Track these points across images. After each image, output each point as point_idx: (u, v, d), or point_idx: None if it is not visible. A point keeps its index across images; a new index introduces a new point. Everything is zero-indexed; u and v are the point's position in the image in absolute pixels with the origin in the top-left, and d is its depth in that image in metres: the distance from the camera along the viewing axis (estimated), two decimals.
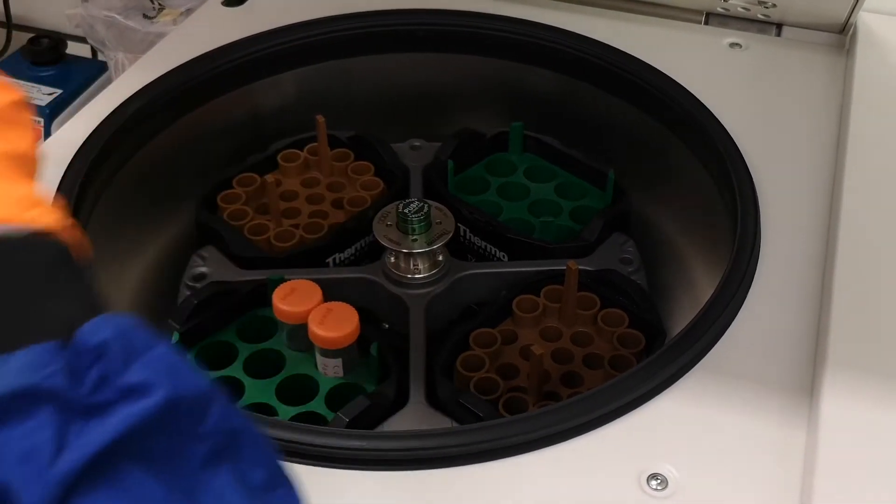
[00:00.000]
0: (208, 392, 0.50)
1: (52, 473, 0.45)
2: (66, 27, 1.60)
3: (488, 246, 1.13)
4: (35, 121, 1.39)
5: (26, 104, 0.61)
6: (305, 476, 0.51)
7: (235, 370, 0.99)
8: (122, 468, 0.47)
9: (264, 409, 0.94)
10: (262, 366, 0.99)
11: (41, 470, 0.45)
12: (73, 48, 1.61)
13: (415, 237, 1.04)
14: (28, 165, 0.59)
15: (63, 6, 1.56)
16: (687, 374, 0.83)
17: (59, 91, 1.49)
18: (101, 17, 1.49)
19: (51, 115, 1.46)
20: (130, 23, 1.48)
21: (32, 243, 0.53)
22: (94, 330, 0.49)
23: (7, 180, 0.56)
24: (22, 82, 1.50)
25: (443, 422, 0.92)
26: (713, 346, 0.86)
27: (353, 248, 1.13)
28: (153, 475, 0.47)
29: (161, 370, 0.49)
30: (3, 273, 0.51)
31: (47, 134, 1.46)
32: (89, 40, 1.55)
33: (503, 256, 1.12)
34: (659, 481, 0.74)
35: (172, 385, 0.48)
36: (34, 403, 0.46)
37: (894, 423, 0.76)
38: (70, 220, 0.56)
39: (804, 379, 0.83)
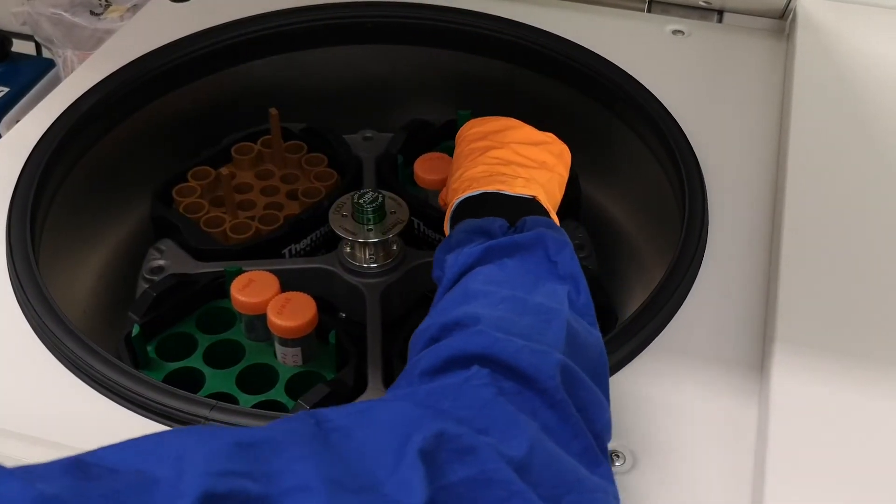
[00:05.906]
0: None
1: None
2: (12, 25, 1.59)
3: (441, 237, 1.14)
4: None
5: None
6: None
7: (196, 360, 0.99)
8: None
9: (225, 399, 0.94)
10: (222, 356, 1.00)
11: None
12: (19, 46, 1.60)
13: (370, 227, 1.05)
14: None
15: (8, 4, 1.55)
16: (640, 354, 0.85)
17: (6, 89, 1.49)
18: (48, 15, 1.49)
19: None
20: (77, 19, 1.47)
21: None
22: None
23: None
24: None
25: None
26: (665, 326, 0.88)
27: (309, 238, 1.14)
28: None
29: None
30: None
31: None
32: (36, 38, 1.54)
33: None
34: (618, 457, 0.76)
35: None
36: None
37: (840, 395, 0.79)
38: None
39: (754, 356, 0.85)
